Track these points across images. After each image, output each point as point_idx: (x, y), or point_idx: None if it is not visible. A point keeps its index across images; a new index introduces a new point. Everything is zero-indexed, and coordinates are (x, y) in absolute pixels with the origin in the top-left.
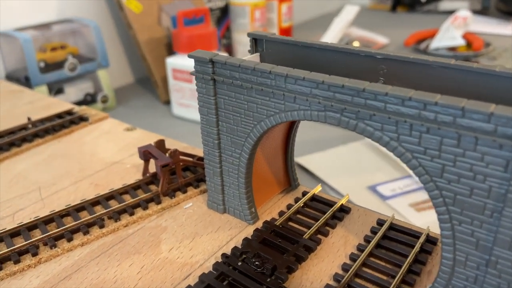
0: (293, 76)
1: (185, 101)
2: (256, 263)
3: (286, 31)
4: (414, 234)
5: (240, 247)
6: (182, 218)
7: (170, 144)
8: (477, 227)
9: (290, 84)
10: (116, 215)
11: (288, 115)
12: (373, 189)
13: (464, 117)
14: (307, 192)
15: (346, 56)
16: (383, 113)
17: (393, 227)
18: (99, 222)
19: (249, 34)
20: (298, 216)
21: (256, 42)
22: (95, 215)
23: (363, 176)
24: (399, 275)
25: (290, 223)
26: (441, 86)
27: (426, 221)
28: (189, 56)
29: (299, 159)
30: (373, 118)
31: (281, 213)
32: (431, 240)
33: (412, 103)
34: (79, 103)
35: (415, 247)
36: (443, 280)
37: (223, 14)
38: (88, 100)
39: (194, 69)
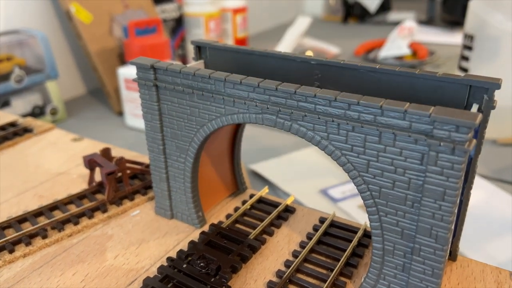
0: (231, 81)
1: (139, 111)
2: (201, 264)
3: (241, 41)
4: (352, 230)
5: (186, 250)
6: (129, 226)
7: (119, 153)
8: (401, 217)
9: (228, 89)
10: (59, 225)
11: (229, 118)
12: (324, 192)
13: (383, 115)
14: (254, 195)
15: (285, 62)
16: (313, 114)
17: (333, 224)
18: (42, 233)
19: (192, 42)
20: (245, 218)
21: (200, 49)
22: (38, 225)
23: (316, 180)
24: (337, 268)
25: (237, 225)
26: (368, 88)
27: None
28: (131, 63)
29: (254, 166)
30: (305, 118)
31: (228, 216)
32: (368, 235)
33: (338, 103)
34: (27, 115)
35: (353, 242)
36: (375, 269)
37: (178, 25)
38: (37, 112)
39: (136, 76)
